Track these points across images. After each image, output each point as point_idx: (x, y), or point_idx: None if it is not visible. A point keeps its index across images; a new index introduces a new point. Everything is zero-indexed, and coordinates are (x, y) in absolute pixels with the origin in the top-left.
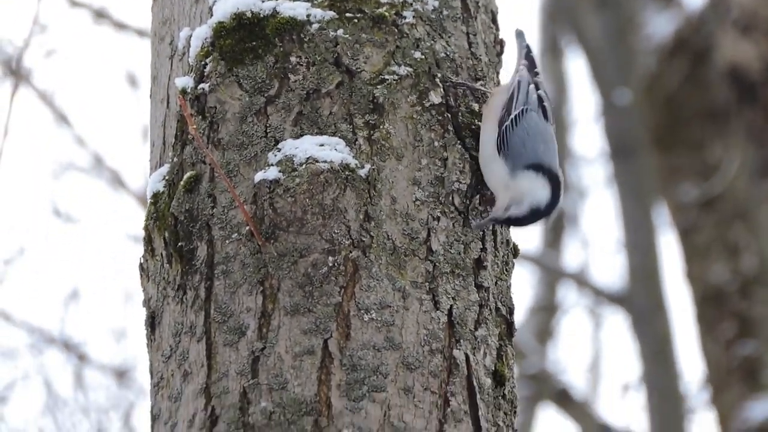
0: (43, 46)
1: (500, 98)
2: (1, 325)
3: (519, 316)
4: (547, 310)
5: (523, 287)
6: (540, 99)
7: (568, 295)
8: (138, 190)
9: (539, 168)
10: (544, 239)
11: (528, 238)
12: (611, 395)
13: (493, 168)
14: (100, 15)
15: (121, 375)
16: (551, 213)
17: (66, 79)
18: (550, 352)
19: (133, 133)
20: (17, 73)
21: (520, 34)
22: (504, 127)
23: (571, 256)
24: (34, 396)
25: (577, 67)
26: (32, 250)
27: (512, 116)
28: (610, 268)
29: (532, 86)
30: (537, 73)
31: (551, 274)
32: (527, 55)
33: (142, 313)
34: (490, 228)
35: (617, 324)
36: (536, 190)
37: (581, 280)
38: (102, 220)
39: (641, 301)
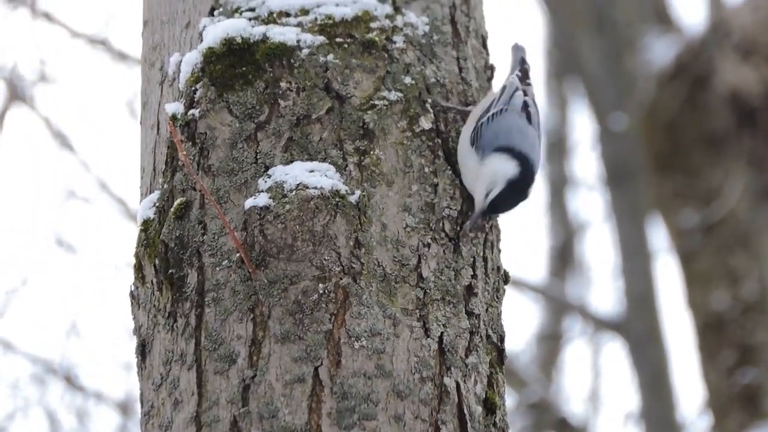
0: (45, 73)
1: (484, 102)
2: (2, 354)
3: (522, 345)
4: (550, 339)
5: (527, 316)
6: (525, 104)
7: (570, 323)
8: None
9: (506, 149)
10: (549, 268)
11: (533, 267)
12: (611, 423)
13: (466, 162)
14: (99, 44)
15: (123, 408)
16: (527, 187)
17: (68, 106)
18: (552, 380)
19: (134, 161)
20: (21, 99)
21: (517, 48)
22: (480, 123)
23: (572, 285)
24: (35, 427)
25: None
26: (35, 280)
27: (490, 113)
28: (609, 295)
29: (519, 92)
30: (529, 84)
31: (554, 303)
32: (521, 66)
33: (133, 342)
34: (481, 255)
35: (617, 352)
36: (505, 167)
37: (580, 308)
38: (104, 249)
39: (638, 328)
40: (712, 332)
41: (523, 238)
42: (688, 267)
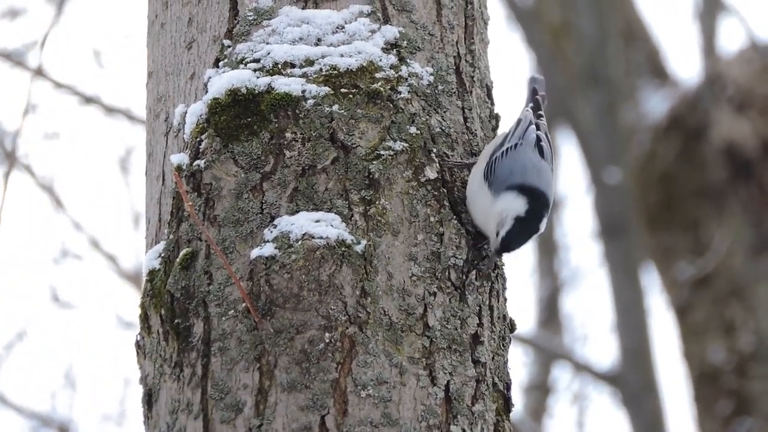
0: (36, 130)
1: (497, 139)
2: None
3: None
4: (540, 390)
5: (518, 366)
6: (538, 138)
7: (562, 374)
8: (132, 273)
9: (519, 187)
10: (538, 319)
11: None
12: None
13: (478, 199)
14: (90, 100)
15: None
16: (537, 222)
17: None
18: (544, 430)
19: (126, 217)
20: (12, 158)
21: (532, 80)
22: (494, 158)
23: (565, 336)
24: None
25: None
26: (31, 335)
27: (504, 148)
28: (604, 347)
29: (532, 126)
30: (541, 116)
31: (545, 354)
32: (534, 98)
33: (138, 392)
34: (487, 303)
35: (610, 404)
36: (513, 205)
37: (573, 359)
38: (99, 305)
39: (633, 381)
40: (707, 383)
41: (513, 289)
42: (683, 319)
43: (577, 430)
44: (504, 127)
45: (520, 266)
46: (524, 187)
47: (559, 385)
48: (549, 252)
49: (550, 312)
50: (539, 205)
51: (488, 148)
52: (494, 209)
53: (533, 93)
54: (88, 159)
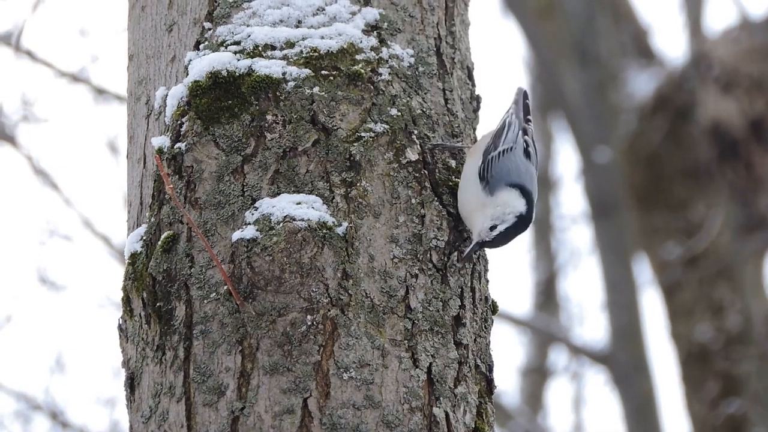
0: (26, 111)
1: (486, 137)
2: None
3: (508, 378)
4: (535, 372)
5: (514, 349)
6: (526, 144)
7: (556, 356)
8: (122, 254)
9: (518, 186)
10: (534, 302)
11: (518, 301)
12: None
13: (470, 191)
14: (81, 81)
15: None
16: (529, 225)
17: (51, 144)
18: (538, 413)
19: (116, 197)
20: (5, 138)
21: (520, 92)
22: (490, 157)
23: (558, 318)
24: None
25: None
26: (19, 317)
27: (499, 150)
28: (596, 328)
29: (520, 132)
30: (529, 120)
31: (539, 336)
32: (524, 101)
33: (122, 375)
34: (469, 285)
35: (602, 384)
36: (517, 203)
37: (566, 340)
38: (87, 286)
39: (624, 360)
40: (696, 364)
41: (508, 272)
42: (671, 299)
43: (574, 411)
44: (486, 111)
45: (515, 249)
46: (524, 188)
47: (556, 368)
48: (544, 234)
49: (546, 294)
50: (533, 208)
51: (479, 145)
52: (493, 202)
53: (524, 97)
54: (78, 140)
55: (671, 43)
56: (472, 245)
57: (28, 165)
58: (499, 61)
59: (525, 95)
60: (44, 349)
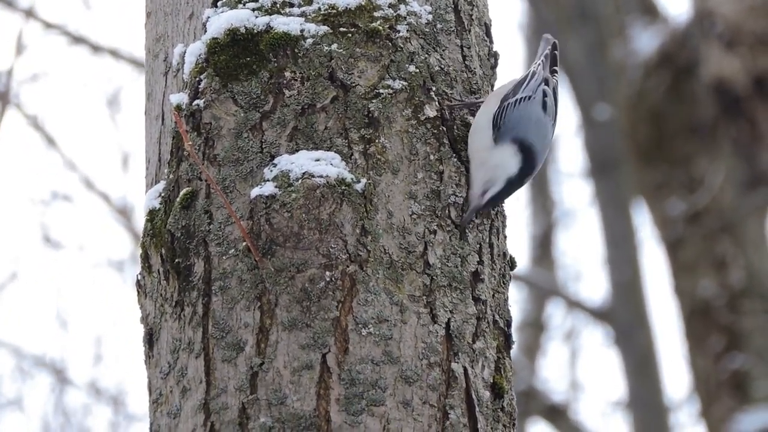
0: (26, 70)
1: (507, 85)
2: None
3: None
4: (535, 327)
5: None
6: (545, 94)
7: (556, 312)
8: (123, 212)
9: (521, 143)
10: (531, 256)
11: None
12: (599, 410)
13: (481, 136)
14: (77, 39)
15: (114, 400)
16: (523, 183)
17: (49, 102)
18: (539, 367)
19: (115, 156)
20: (4, 98)
21: (547, 39)
22: (507, 103)
23: (557, 273)
24: (22, 420)
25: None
26: (22, 276)
27: (517, 97)
28: (596, 283)
29: (543, 83)
30: (555, 71)
31: (539, 291)
32: (552, 52)
33: (140, 330)
34: (487, 241)
35: (603, 340)
36: (509, 163)
37: (567, 296)
38: (90, 245)
39: (625, 316)
40: (699, 319)
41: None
42: (674, 255)
43: (570, 366)
44: (505, 68)
45: (513, 204)
46: (525, 144)
47: (552, 322)
48: (543, 190)
49: (543, 249)
50: (530, 167)
51: (499, 91)
52: (491, 160)
53: (553, 48)
54: (78, 99)
55: (675, 1)
56: (468, 211)
57: (31, 125)
58: (496, 16)
59: (554, 46)
60: (47, 306)
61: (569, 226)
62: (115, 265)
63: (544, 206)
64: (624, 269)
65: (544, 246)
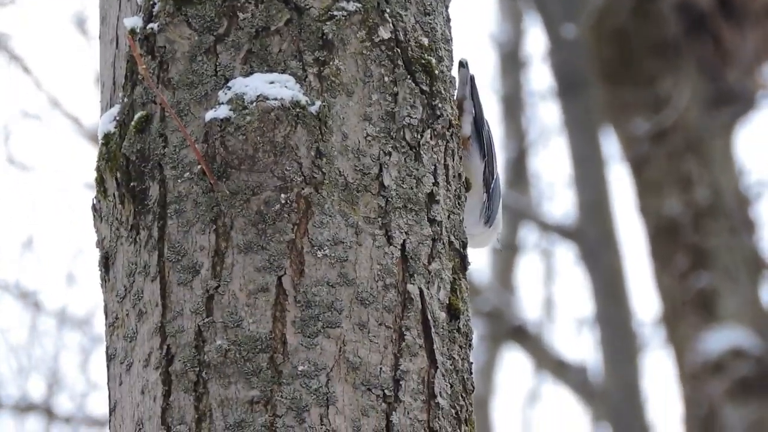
0: None
1: (475, 150)
2: None
3: (479, 254)
4: (505, 249)
5: None
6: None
7: (526, 233)
8: (93, 135)
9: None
10: (506, 179)
11: None
12: (566, 330)
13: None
14: None
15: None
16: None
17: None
18: (507, 289)
19: (86, 77)
20: None
21: (463, 64)
22: (488, 194)
23: (527, 195)
24: None
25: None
26: None
27: (494, 184)
28: (564, 204)
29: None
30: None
31: (508, 213)
32: (473, 91)
33: (95, 255)
34: (442, 162)
35: (571, 259)
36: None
37: (535, 217)
38: (58, 167)
39: (591, 235)
40: (664, 238)
41: None
42: (639, 174)
43: (544, 287)
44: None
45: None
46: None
47: (526, 244)
48: (514, 112)
49: (516, 172)
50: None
51: (473, 154)
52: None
53: (472, 84)
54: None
55: None
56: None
57: None
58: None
59: (473, 80)
60: (14, 229)
61: (542, 147)
62: (87, 186)
63: (517, 130)
64: (590, 188)
65: (518, 168)
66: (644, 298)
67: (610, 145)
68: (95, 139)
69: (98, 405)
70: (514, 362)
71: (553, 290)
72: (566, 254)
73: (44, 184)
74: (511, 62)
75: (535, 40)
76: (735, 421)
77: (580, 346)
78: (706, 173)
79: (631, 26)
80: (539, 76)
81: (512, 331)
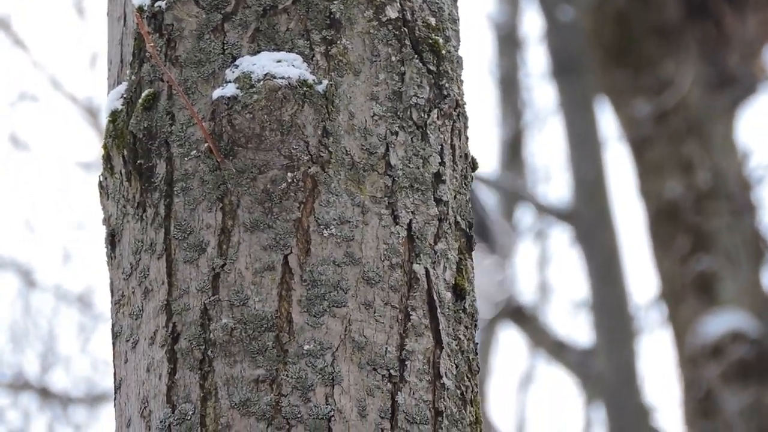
0: None
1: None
2: None
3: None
4: None
5: None
6: None
7: (525, 215)
8: (91, 113)
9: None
10: (500, 161)
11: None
12: (564, 312)
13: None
14: None
15: (80, 300)
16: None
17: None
18: (509, 271)
19: (83, 57)
20: None
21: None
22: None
23: (524, 177)
24: None
25: None
26: None
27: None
28: (561, 186)
29: None
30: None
31: (506, 195)
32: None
33: (102, 232)
34: (449, 142)
35: (568, 241)
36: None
37: (532, 198)
38: (57, 147)
39: (587, 217)
40: (665, 220)
41: (475, 132)
42: (640, 156)
43: (539, 270)
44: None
45: (481, 109)
46: None
47: (521, 226)
48: (511, 93)
49: (513, 153)
50: None
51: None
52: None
53: None
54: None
55: None
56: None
57: None
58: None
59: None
60: (14, 209)
61: (538, 129)
62: (83, 166)
63: (513, 110)
64: (587, 169)
65: (514, 150)
66: (641, 280)
67: (607, 126)
68: (92, 118)
69: (96, 383)
70: (508, 343)
71: (548, 273)
72: (562, 236)
73: (42, 163)
74: (509, 43)
75: (533, 21)
76: (733, 404)
77: (577, 328)
78: (707, 156)
79: (632, 9)
80: (536, 58)
81: (511, 312)
